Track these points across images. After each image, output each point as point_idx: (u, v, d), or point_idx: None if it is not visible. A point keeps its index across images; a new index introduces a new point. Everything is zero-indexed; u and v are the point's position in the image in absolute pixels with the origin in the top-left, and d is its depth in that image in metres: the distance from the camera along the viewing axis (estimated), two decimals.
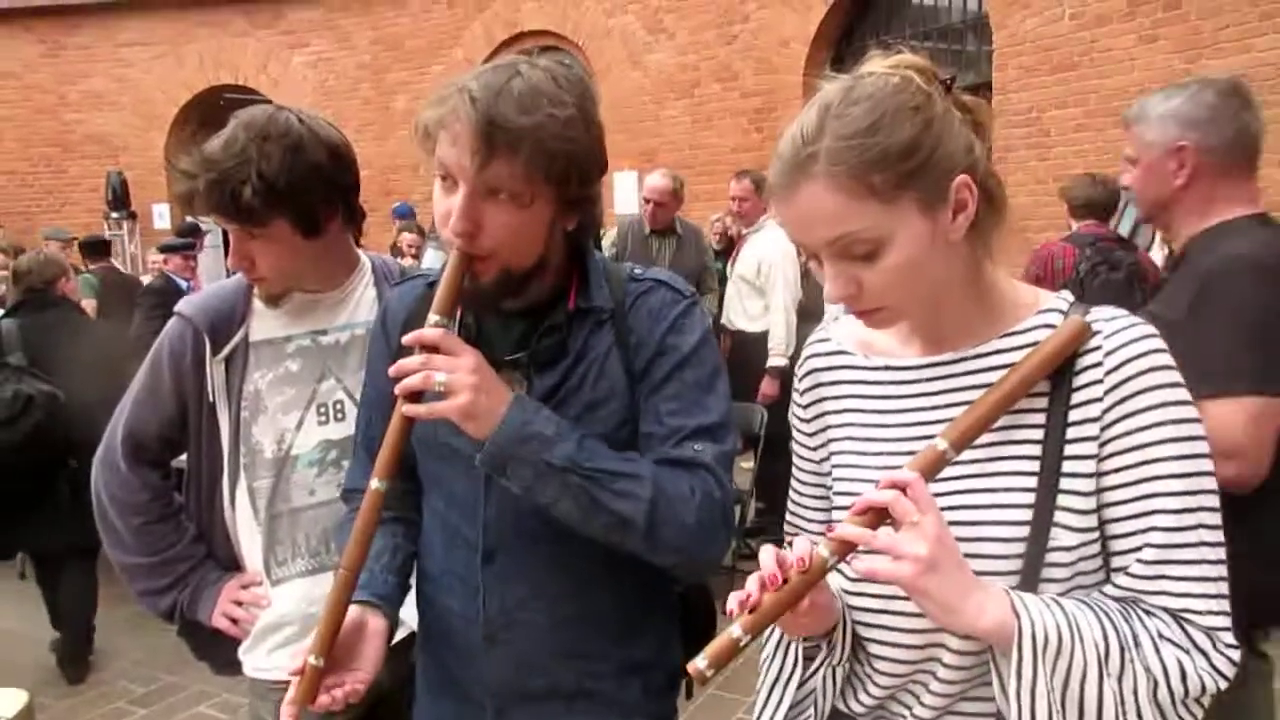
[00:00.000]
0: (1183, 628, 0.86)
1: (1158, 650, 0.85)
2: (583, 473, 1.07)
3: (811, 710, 1.06)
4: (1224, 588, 0.87)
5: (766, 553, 0.89)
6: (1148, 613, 0.88)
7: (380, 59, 10.11)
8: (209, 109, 10.23)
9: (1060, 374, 0.89)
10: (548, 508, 1.10)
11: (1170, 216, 1.73)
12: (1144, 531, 0.87)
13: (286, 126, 1.38)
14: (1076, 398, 0.89)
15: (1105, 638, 0.85)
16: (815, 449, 1.10)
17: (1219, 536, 0.87)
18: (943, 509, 0.87)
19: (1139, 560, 0.87)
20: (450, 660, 1.27)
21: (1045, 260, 3.60)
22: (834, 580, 0.98)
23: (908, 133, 0.86)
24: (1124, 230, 5.03)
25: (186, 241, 6.13)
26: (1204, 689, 0.85)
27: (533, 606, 1.19)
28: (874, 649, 0.99)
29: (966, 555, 0.87)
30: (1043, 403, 0.91)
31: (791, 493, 1.15)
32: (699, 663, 0.85)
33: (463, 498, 1.22)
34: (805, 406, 1.11)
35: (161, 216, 10.33)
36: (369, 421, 1.31)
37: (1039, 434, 0.90)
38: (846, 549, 0.85)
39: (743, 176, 4.70)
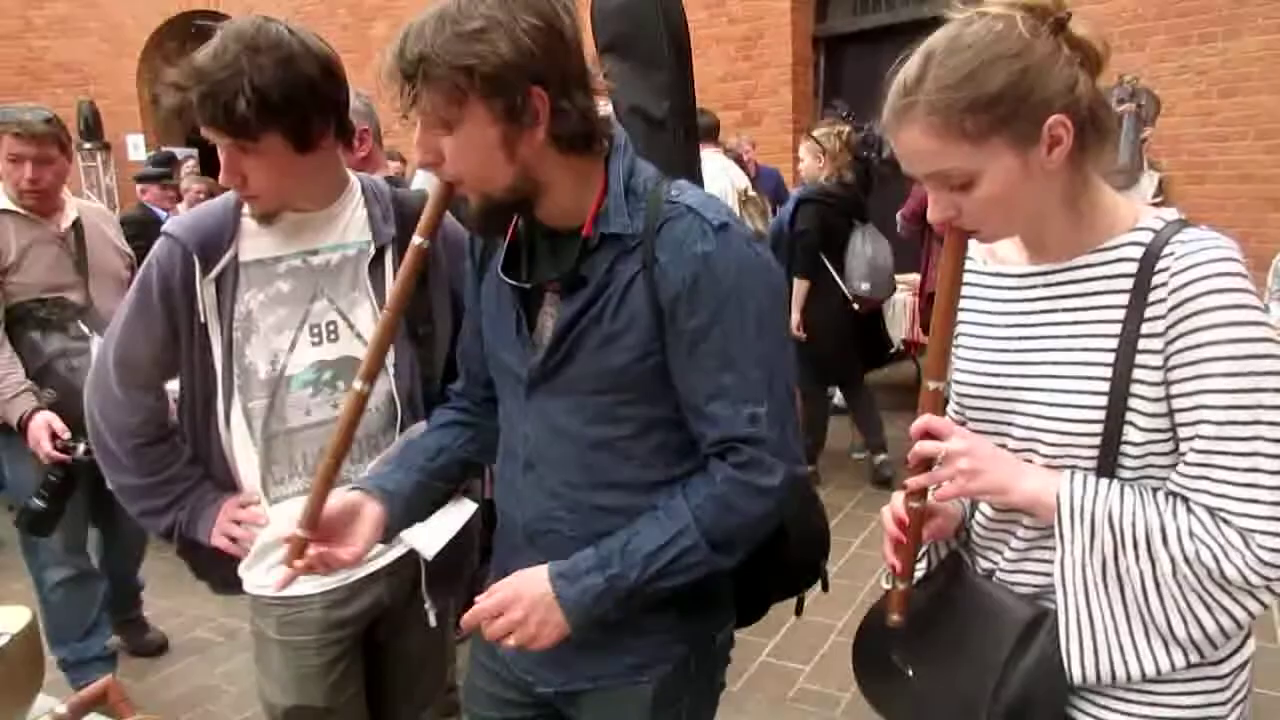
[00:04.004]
0: (1219, 526, 0.96)
1: (1180, 542, 0.96)
2: (647, 580, 1.16)
3: (933, 554, 1.25)
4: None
5: (887, 517, 1.15)
6: (1189, 510, 0.98)
7: None
8: (182, 36, 9.92)
9: (1138, 287, 0.99)
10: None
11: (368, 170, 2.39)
12: (1191, 438, 0.97)
13: (278, 38, 1.35)
14: (1149, 311, 0.98)
15: (1135, 523, 0.98)
16: None
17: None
18: (1027, 402, 1.07)
19: (1184, 461, 0.99)
20: (507, 553, 1.33)
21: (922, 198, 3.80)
22: None
23: (1001, 81, 0.95)
24: (1122, 156, 5.07)
25: (164, 171, 6.01)
26: (1245, 580, 0.95)
27: (561, 518, 1.23)
28: (980, 512, 1.20)
29: (1047, 443, 1.05)
30: (1119, 314, 1.00)
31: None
32: (894, 616, 1.13)
33: (510, 409, 1.28)
34: None
35: (136, 147, 10.08)
36: (465, 334, 1.43)
37: (1114, 343, 1.00)
38: (921, 493, 1.09)
39: None
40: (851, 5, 7.48)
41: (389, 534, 1.30)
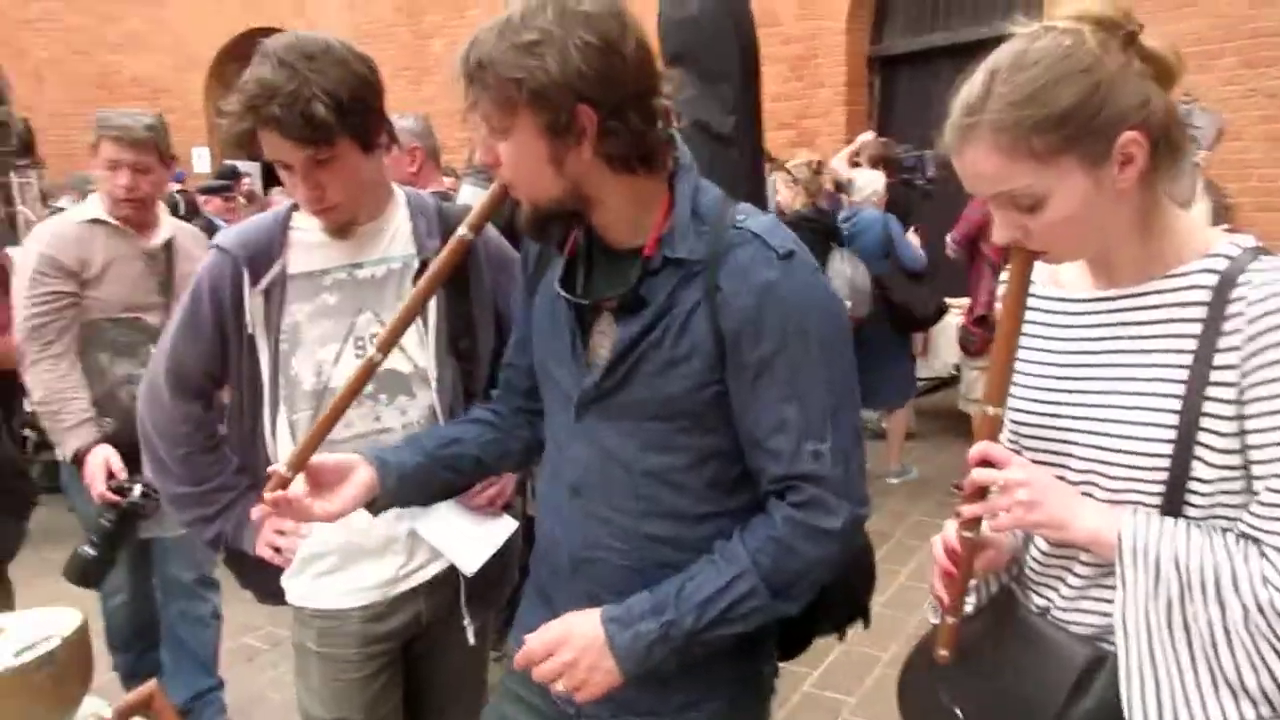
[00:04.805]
0: None
1: (1253, 588, 0.91)
2: (703, 628, 1.11)
3: (984, 588, 1.21)
4: None
5: (937, 547, 1.12)
6: (1262, 554, 0.93)
7: (417, 1, 9.99)
8: (246, 54, 10.21)
9: (1211, 316, 0.94)
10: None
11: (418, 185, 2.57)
12: (1267, 477, 0.93)
13: (325, 44, 1.38)
14: (1223, 342, 0.93)
15: (1202, 566, 0.93)
16: None
17: None
18: (1088, 432, 1.02)
19: (1258, 501, 0.94)
20: (546, 575, 1.31)
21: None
22: None
23: (1069, 100, 0.91)
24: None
25: (225, 184, 6.17)
26: None
27: (609, 545, 1.20)
28: (1034, 545, 1.15)
29: (1108, 476, 1.00)
30: (1191, 344, 0.96)
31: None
32: (941, 651, 1.11)
33: (558, 429, 1.25)
34: None
35: (201, 159, 10.38)
36: (511, 343, 1.42)
37: (1184, 374, 0.96)
38: (975, 523, 1.06)
39: None
40: (907, 26, 7.42)
41: (377, 506, 1.28)
